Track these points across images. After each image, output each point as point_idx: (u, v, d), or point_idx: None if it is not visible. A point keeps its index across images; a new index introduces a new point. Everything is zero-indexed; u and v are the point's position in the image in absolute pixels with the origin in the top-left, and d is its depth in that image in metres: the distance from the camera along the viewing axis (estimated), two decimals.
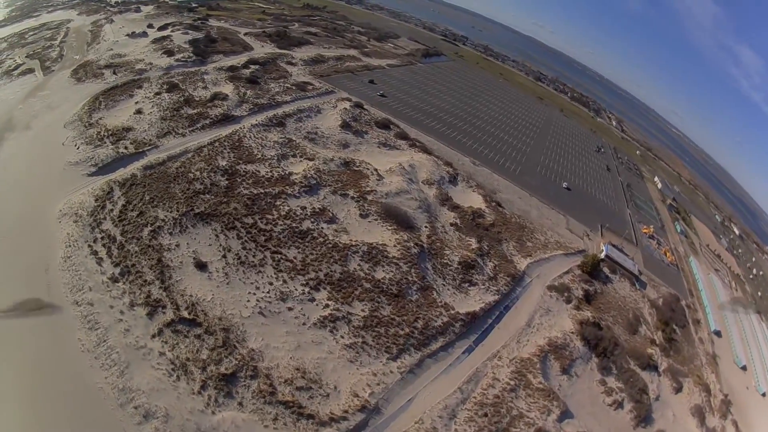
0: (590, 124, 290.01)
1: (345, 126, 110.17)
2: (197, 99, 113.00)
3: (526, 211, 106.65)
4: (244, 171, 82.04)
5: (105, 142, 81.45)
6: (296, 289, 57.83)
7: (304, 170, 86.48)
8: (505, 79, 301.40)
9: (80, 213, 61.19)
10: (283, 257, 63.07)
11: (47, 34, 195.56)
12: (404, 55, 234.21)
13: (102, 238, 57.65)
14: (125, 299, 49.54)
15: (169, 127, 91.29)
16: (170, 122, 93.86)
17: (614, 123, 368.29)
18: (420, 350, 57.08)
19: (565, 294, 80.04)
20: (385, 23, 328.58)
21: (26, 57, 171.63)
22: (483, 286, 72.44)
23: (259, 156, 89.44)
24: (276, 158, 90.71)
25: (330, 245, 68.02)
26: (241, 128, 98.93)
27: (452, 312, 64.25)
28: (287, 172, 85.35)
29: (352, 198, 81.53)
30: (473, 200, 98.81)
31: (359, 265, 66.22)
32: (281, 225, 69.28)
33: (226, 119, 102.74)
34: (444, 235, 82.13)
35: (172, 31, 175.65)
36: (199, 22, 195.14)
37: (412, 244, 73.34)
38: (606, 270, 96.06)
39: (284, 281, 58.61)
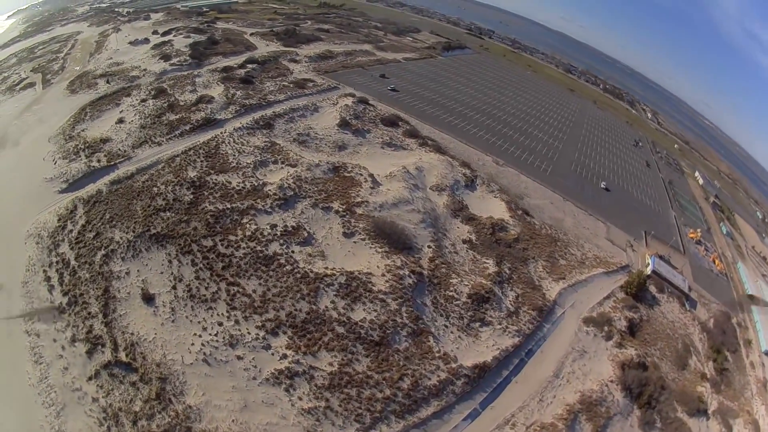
0: (625, 117, 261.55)
1: (344, 125, 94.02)
2: (182, 103, 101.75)
3: (558, 220, 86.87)
4: (213, 183, 68.90)
5: (80, 156, 75.46)
6: (249, 333, 46.70)
7: (281, 180, 71.45)
8: (534, 71, 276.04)
9: (42, 234, 57.38)
10: (240, 290, 50.17)
11: (55, 47, 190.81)
12: (424, 48, 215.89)
13: (57, 262, 53.47)
14: (68, 333, 45.59)
15: (147, 136, 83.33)
16: (149, 130, 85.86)
17: (649, 115, 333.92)
18: (403, 419, 41.67)
19: (605, 328, 61.07)
20: (406, 19, 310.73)
21: (31, 71, 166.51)
22: (499, 326, 54.42)
23: (234, 164, 75.97)
24: (253, 166, 76.55)
25: (299, 275, 52.69)
26: (221, 133, 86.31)
27: (453, 366, 47.21)
28: (261, 183, 71.01)
29: (337, 212, 65.57)
30: (494, 208, 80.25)
31: (333, 302, 50.48)
32: (244, 248, 55.71)
33: (208, 124, 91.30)
34: (453, 256, 64.47)
35: (174, 36, 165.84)
36: (206, 25, 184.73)
37: (407, 272, 56.30)
38: (653, 288, 75.84)
39: (236, 321, 47.52)
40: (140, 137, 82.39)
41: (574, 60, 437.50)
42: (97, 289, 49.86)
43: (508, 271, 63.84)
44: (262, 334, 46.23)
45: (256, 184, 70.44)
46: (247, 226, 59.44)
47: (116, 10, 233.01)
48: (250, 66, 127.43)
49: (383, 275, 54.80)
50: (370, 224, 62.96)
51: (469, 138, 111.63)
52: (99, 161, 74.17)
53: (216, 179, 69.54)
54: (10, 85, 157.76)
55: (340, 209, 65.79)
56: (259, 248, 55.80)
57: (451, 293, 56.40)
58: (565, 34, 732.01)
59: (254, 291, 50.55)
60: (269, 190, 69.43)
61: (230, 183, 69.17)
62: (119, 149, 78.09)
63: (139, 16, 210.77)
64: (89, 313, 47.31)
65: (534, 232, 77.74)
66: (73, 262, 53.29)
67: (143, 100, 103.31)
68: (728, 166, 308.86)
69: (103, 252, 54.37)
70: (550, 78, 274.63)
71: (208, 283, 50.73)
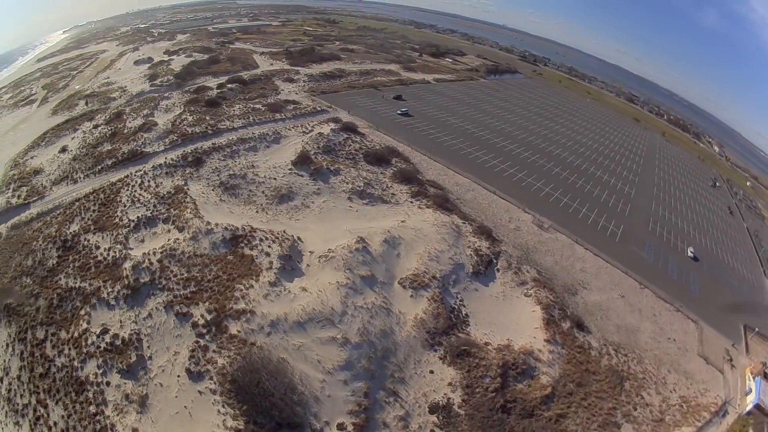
0: (695, 151, 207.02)
1: (302, 162, 61.09)
2: (125, 131, 79.24)
3: (631, 330, 46.69)
4: (84, 245, 46.68)
5: (8, 189, 63.76)
6: None
7: (143, 255, 40.36)
8: (594, 98, 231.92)
9: None
10: (45, 416, 31.40)
11: (75, 65, 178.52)
12: (464, 70, 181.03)
13: None
14: None
15: (70, 170, 66.90)
16: (77, 163, 69.29)
17: (716, 149, 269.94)
18: None
19: None
20: (453, 43, 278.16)
21: (42, 87, 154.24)
22: None
23: (117, 220, 49.28)
24: (134, 225, 46.51)
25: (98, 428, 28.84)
26: (139, 171, 61.39)
27: None
28: (123, 256, 41.11)
29: (196, 325, 35.06)
30: (520, 322, 42.17)
31: None
32: (65, 356, 34.81)
33: (133, 158, 67.56)
34: None
35: (177, 56, 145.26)
36: (221, 44, 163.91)
37: None
38: None
39: None
40: (65, 171, 66.54)
41: (633, 92, 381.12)
42: None
43: None
44: None
45: (117, 257, 43.64)
46: (81, 321, 37.40)
47: (152, 30, 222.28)
48: (230, 86, 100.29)
49: None
50: (235, 366, 30.27)
51: (501, 182, 74.01)
52: (19, 197, 60.73)
53: (89, 240, 47.61)
54: (17, 100, 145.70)
55: (205, 320, 35.68)
56: (76, 363, 34.50)
57: None
58: (620, 66, 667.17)
59: (55, 423, 31.05)
60: (125, 268, 40.16)
61: (99, 248, 46.17)
62: (42, 184, 63.46)
63: (166, 36, 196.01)
64: None
65: (587, 369, 39.07)
66: None
67: (96, 126, 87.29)
68: None
69: None
70: (612, 107, 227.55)
71: (23, 391, 33.65)
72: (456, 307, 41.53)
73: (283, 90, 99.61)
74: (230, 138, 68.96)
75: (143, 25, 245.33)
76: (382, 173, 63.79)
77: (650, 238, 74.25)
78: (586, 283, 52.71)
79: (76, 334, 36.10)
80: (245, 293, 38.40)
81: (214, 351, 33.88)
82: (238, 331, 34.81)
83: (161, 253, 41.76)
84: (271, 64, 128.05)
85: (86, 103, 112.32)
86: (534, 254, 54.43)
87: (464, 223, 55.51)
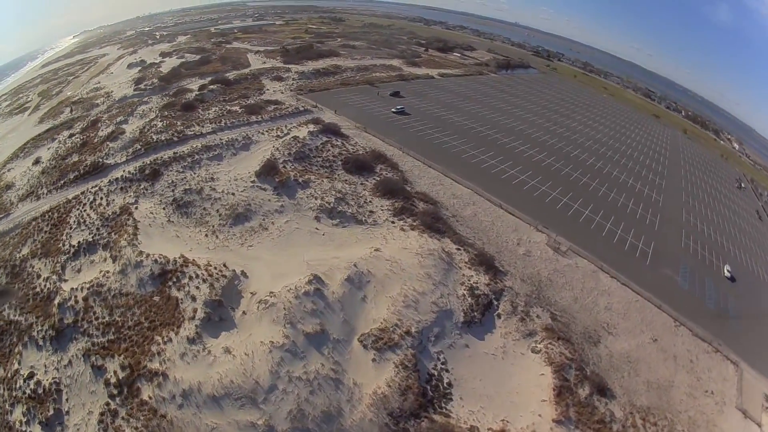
0: (717, 149, 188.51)
1: (266, 173, 50.66)
2: (95, 140, 70.59)
3: (664, 387, 34.67)
4: (30, 271, 40.68)
5: None
6: None
7: (71, 289, 33.85)
8: (611, 94, 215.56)
9: None
10: None
11: (73, 70, 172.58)
12: (473, 65, 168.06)
13: None
14: None
15: (38, 184, 61.42)
16: (45, 177, 63.28)
17: (736, 146, 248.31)
18: None
19: None
20: (462, 39, 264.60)
21: (37, 94, 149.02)
22: None
23: (60, 245, 42.74)
24: (74, 252, 38.64)
25: None
26: (95, 186, 54.32)
27: None
28: (54, 289, 35.46)
29: (108, 383, 28.54)
30: (524, 386, 31.21)
31: None
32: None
33: (94, 171, 59.80)
34: None
35: (169, 58, 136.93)
36: (216, 45, 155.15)
37: None
38: None
39: None
40: (32, 186, 61.06)
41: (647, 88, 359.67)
42: None
43: None
44: None
45: (51, 289, 37.61)
46: (13, 361, 32.17)
47: (154, 33, 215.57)
48: (212, 87, 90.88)
49: None
50: None
51: (510, 192, 61.92)
52: None
53: (34, 266, 41.60)
54: (12, 108, 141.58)
55: (117, 378, 28.67)
56: (7, 405, 29.51)
57: None
58: (634, 63, 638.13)
59: None
60: (54, 305, 34.59)
61: (40, 276, 39.96)
62: (9, 200, 58.54)
63: (167, 39, 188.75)
64: None
65: None
66: None
67: (72, 135, 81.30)
68: None
69: None
70: (630, 103, 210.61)
71: None
72: (435, 373, 30.48)
73: (268, 89, 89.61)
74: (194, 146, 59.17)
75: (148, 29, 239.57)
76: (362, 184, 52.89)
77: (684, 256, 61.58)
78: (611, 326, 40.92)
79: (9, 374, 31.54)
80: (162, 349, 29.16)
81: (123, 418, 26.29)
82: (150, 397, 26.83)
83: (88, 289, 34.20)
84: (264, 63, 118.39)
85: (71, 111, 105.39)
86: (548, 290, 42.76)
87: (459, 249, 44.21)
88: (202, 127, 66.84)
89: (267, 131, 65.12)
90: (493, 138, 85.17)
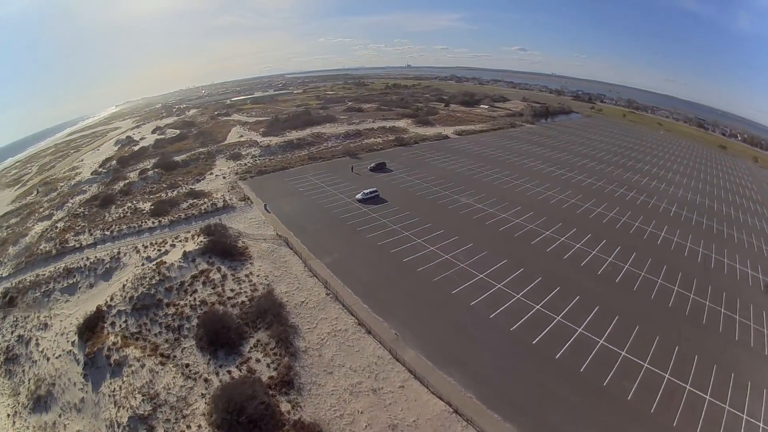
0: None
1: (86, 335, 28.00)
2: (8, 241, 52.37)
3: None
4: None
5: None
6: None
7: None
8: (667, 130, 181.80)
9: None
10: None
11: (81, 142, 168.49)
12: (504, 116, 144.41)
13: None
14: None
15: None
16: None
17: None
18: None
19: None
20: (494, 92, 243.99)
21: (39, 167, 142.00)
22: None
23: None
24: None
25: None
26: None
27: None
28: None
29: None
30: None
31: None
32: None
33: None
34: None
35: (154, 134, 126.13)
36: (211, 117, 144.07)
37: None
38: None
39: None
40: None
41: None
42: None
43: None
44: None
45: None
46: None
47: (175, 106, 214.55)
48: (151, 172, 73.59)
49: None
50: None
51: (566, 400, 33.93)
52: None
53: None
54: (9, 180, 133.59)
55: None
56: None
57: None
58: (670, 95, 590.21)
59: None
60: None
61: None
62: None
63: (178, 113, 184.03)
64: None
65: None
66: None
67: (7, 227, 70.21)
68: None
69: None
70: (689, 137, 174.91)
71: None
72: None
73: (212, 173, 70.30)
74: (58, 267, 39.18)
75: (173, 101, 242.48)
76: (206, 380, 27.80)
77: None
78: None
79: None
80: None
81: None
82: None
83: None
84: (241, 136, 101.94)
85: (36, 193, 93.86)
86: None
87: None
88: (92, 234, 47.01)
89: (149, 245, 43.42)
90: (521, 232, 52.75)
